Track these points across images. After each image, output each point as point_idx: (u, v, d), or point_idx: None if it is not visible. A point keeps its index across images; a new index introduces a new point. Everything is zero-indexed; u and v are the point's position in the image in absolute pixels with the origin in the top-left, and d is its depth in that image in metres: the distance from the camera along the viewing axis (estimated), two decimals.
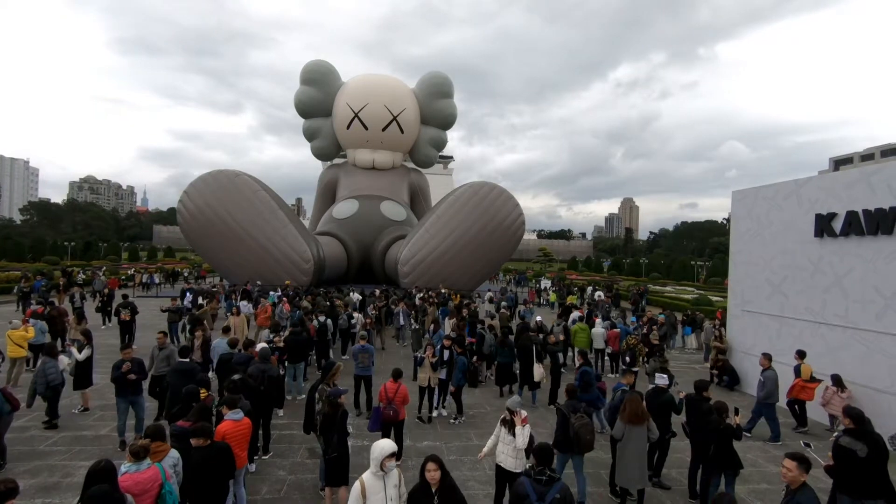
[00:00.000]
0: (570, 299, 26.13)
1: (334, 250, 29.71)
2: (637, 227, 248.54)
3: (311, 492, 6.77)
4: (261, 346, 9.26)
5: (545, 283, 37.65)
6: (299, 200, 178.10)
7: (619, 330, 14.02)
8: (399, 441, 7.94)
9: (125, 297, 17.23)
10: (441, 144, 39.45)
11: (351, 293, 21.31)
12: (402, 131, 36.11)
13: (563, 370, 11.62)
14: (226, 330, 11.05)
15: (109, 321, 18.44)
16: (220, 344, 10.01)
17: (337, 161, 41.26)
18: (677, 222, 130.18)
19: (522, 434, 5.83)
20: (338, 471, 5.97)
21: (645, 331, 14.33)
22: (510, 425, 5.93)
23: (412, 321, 17.03)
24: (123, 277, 35.87)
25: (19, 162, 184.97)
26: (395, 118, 35.33)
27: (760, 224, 12.60)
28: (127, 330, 15.11)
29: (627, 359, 11.97)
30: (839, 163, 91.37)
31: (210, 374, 9.68)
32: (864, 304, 9.78)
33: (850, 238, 10.16)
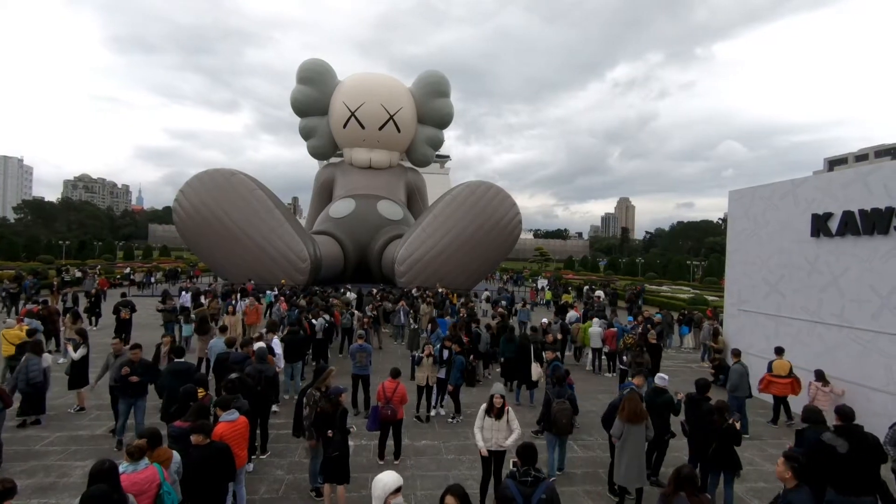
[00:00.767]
0: (566, 298, 26.18)
1: (331, 249, 29.64)
2: (633, 227, 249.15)
3: (309, 492, 6.75)
4: (258, 345, 9.23)
5: (542, 282, 37.71)
6: (295, 199, 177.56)
7: (616, 329, 14.06)
8: (397, 440, 7.94)
9: (123, 295, 17.10)
10: (438, 143, 39.42)
11: (347, 293, 21.28)
12: (398, 130, 36.05)
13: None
14: (222, 329, 11.00)
15: (97, 323, 18.19)
16: (216, 343, 9.97)
17: (333, 160, 41.16)
18: (673, 222, 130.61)
19: (515, 419, 6.39)
20: (338, 469, 5.96)
21: (641, 330, 14.37)
22: (499, 411, 6.29)
23: (411, 320, 17.04)
24: (119, 276, 35.67)
25: (13, 160, 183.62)
26: (391, 117, 35.26)
27: (757, 224, 12.64)
28: (124, 329, 14.98)
29: (625, 358, 12.00)
30: (834, 163, 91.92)
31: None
32: (861, 304, 9.83)
33: (846, 238, 10.21)
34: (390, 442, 7.91)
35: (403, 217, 35.17)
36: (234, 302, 17.85)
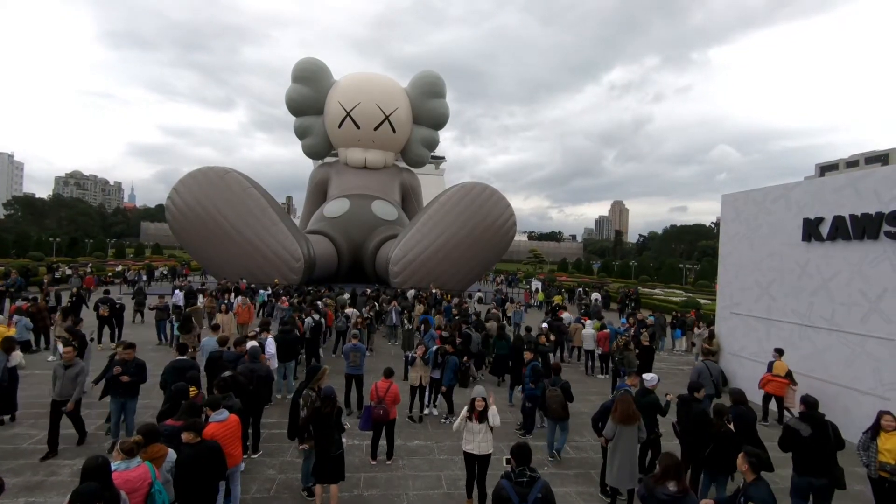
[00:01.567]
0: (557, 299, 26.22)
1: (325, 249, 29.55)
2: (627, 230, 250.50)
3: (300, 492, 6.72)
4: (251, 344, 9.18)
5: (535, 284, 37.80)
6: (290, 198, 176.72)
7: (609, 331, 14.12)
8: (390, 440, 7.93)
9: (107, 292, 16.89)
10: (433, 144, 39.42)
11: (343, 293, 21.18)
12: (394, 130, 36.01)
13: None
14: (214, 328, 10.94)
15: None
16: (209, 342, 9.91)
17: (328, 160, 41.03)
18: (667, 225, 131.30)
19: (496, 415, 6.40)
20: (333, 468, 5.94)
21: (633, 332, 14.44)
22: (480, 414, 6.27)
23: (404, 321, 17.01)
24: (110, 274, 35.38)
25: (3, 156, 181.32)
26: (387, 117, 35.22)
27: (749, 227, 12.75)
28: (107, 326, 14.84)
29: (616, 359, 12.07)
30: (825, 169, 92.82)
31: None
32: (850, 307, 9.94)
33: (836, 242, 10.32)
34: (383, 442, 7.90)
35: (398, 217, 35.13)
36: (227, 300, 17.73)
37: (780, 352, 10.83)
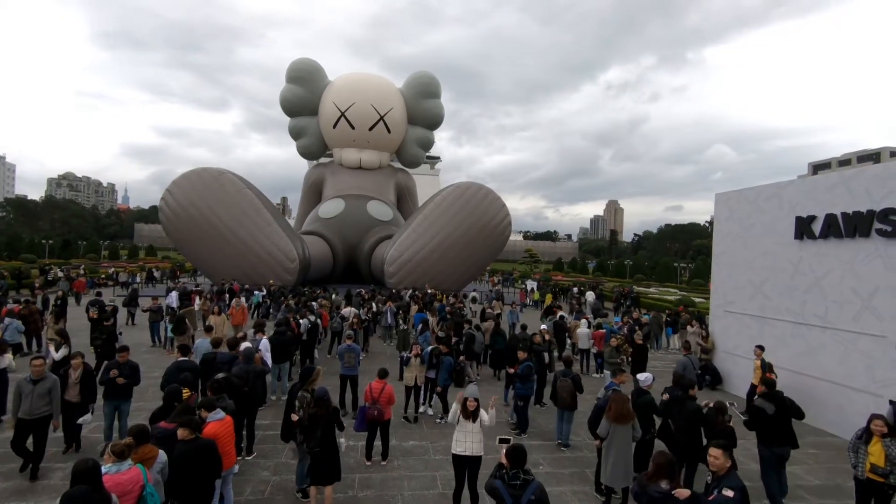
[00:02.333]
0: (548, 299, 26.16)
1: (320, 250, 29.50)
2: (622, 230, 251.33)
3: (294, 493, 6.69)
4: (245, 345, 9.14)
5: (531, 283, 37.84)
6: (284, 199, 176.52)
7: (604, 330, 14.14)
8: (385, 441, 7.90)
9: (98, 294, 16.76)
10: (428, 144, 39.43)
11: (335, 294, 21.11)
12: (388, 131, 35.99)
13: (548, 371, 11.65)
14: (208, 329, 10.88)
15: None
16: (202, 344, 9.85)
17: (323, 160, 40.96)
18: (661, 224, 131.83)
19: (492, 417, 6.43)
20: (328, 469, 5.92)
21: (626, 331, 14.47)
22: (473, 414, 6.20)
23: (400, 321, 16.98)
24: (103, 276, 35.13)
25: None
26: (382, 118, 35.19)
27: (742, 226, 12.80)
28: (98, 328, 14.70)
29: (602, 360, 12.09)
30: (818, 167, 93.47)
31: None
32: (842, 305, 9.99)
33: (828, 240, 10.37)
34: (378, 443, 7.88)
35: (393, 218, 35.12)
36: (224, 302, 17.65)
37: (761, 348, 10.87)
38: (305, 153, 38.36)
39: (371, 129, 35.38)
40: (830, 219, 10.27)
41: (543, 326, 13.63)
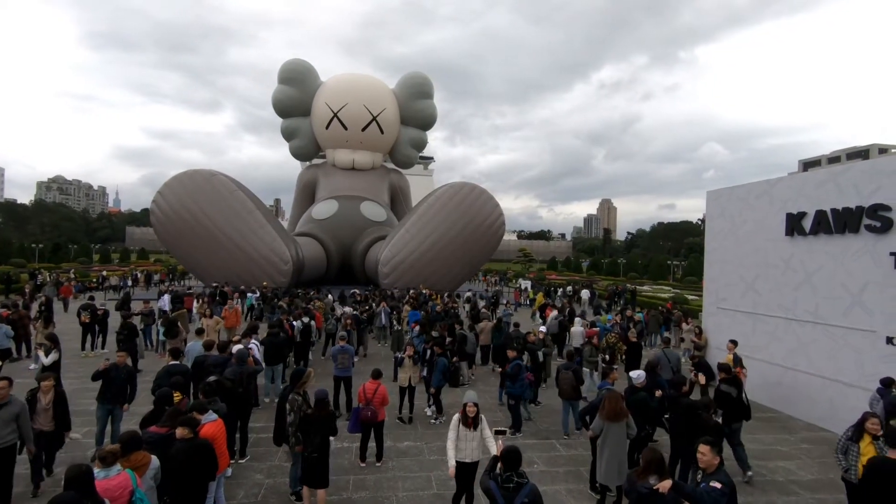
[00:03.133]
0: (539, 298, 26.11)
1: (313, 251, 29.38)
2: (615, 228, 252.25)
3: (288, 496, 6.65)
4: (237, 348, 9.07)
5: (525, 283, 37.87)
6: (277, 201, 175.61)
7: (598, 328, 14.16)
8: (379, 442, 7.87)
9: (91, 298, 16.60)
10: (421, 145, 39.38)
11: (328, 295, 20.99)
12: (381, 131, 35.92)
13: (543, 370, 11.68)
14: (199, 332, 10.80)
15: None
16: (194, 346, 9.78)
17: (316, 161, 40.82)
18: (654, 223, 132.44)
19: (488, 427, 6.13)
20: (319, 472, 5.88)
21: (618, 329, 14.49)
22: (473, 420, 6.00)
23: (394, 321, 16.94)
24: (94, 280, 34.81)
25: None
26: (374, 118, 35.11)
27: (734, 223, 12.88)
28: (90, 333, 14.60)
29: (607, 357, 12.11)
30: (808, 164, 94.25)
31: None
32: (833, 301, 10.07)
33: (819, 236, 10.45)
34: (372, 444, 7.84)
35: (387, 218, 35.05)
36: (215, 305, 17.53)
37: (734, 343, 11.02)
38: (298, 154, 38.20)
39: (364, 129, 35.29)
40: (820, 215, 10.35)
41: (542, 328, 13.63)
